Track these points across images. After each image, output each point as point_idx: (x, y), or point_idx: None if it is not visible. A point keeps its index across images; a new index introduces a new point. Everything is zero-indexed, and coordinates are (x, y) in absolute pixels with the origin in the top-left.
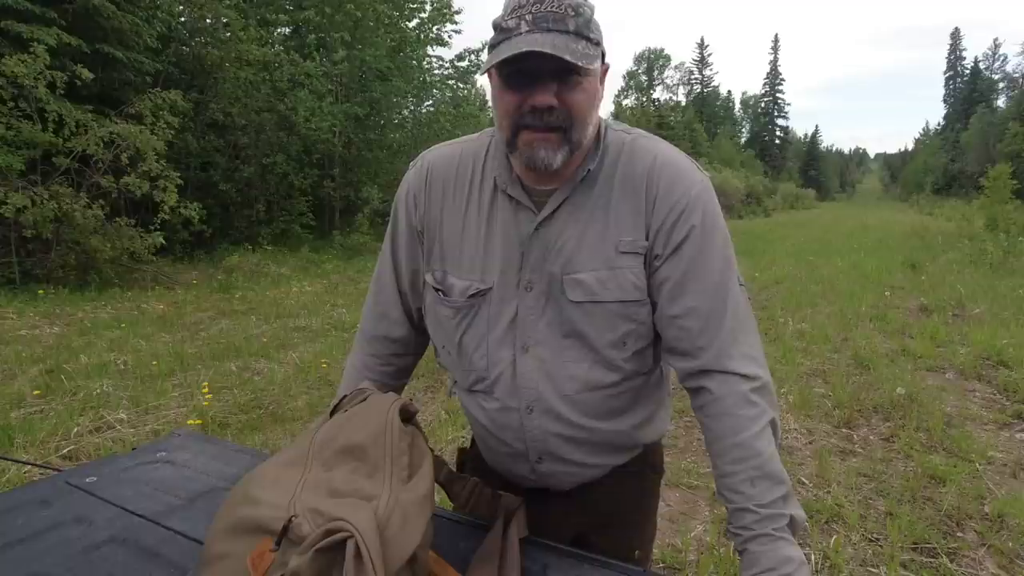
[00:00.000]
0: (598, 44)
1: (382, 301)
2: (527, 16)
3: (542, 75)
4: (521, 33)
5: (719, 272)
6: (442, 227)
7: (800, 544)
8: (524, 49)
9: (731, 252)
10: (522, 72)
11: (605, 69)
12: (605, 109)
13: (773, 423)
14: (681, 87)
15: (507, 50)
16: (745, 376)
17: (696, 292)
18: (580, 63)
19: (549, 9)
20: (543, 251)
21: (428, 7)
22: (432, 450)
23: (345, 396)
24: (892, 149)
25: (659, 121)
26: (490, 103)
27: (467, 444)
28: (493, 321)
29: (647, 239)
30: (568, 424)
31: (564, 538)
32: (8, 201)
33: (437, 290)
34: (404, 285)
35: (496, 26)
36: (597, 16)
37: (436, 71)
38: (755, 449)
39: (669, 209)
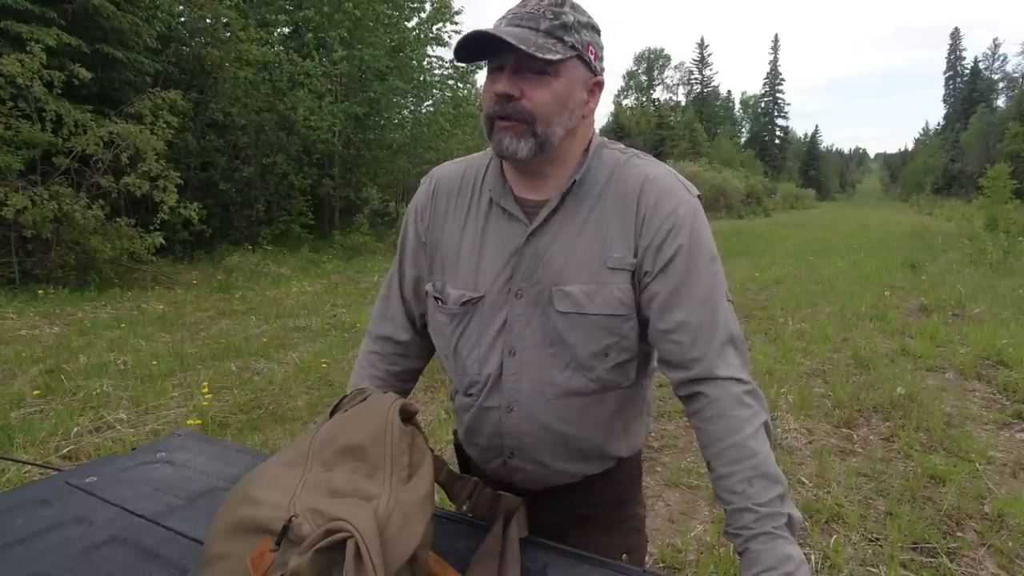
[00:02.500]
0: (573, 48)
1: (389, 305)
2: (508, 16)
3: (507, 67)
4: (495, 27)
5: (708, 288)
6: (443, 239)
7: (800, 543)
8: (474, 31)
9: (719, 270)
10: (499, 68)
11: (595, 82)
12: (604, 110)
13: (766, 425)
14: (681, 87)
15: (468, 34)
16: (738, 380)
17: (686, 307)
18: (523, 47)
19: (527, 10)
20: (534, 261)
21: (428, 7)
22: (432, 450)
23: (345, 396)
24: (892, 149)
25: (659, 121)
26: None
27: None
28: (485, 327)
29: (635, 256)
30: (542, 426)
31: (549, 535)
32: (8, 201)
33: (436, 299)
34: (408, 292)
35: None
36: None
37: (436, 71)
38: (751, 449)
39: (657, 228)
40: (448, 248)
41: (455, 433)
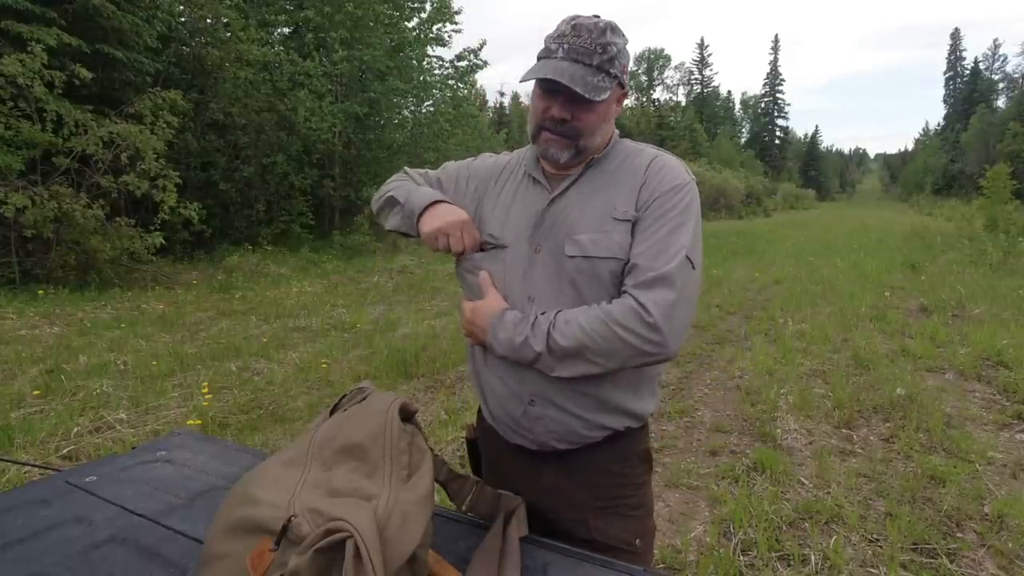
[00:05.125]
0: (615, 77)
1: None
2: (565, 45)
3: (562, 95)
4: (556, 58)
5: (669, 237)
6: (485, 204)
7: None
8: (548, 75)
9: (698, 243)
10: (551, 90)
11: (623, 94)
12: None
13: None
14: (681, 87)
15: (539, 70)
16: (639, 304)
17: (647, 241)
18: (587, 95)
19: (583, 44)
20: (553, 220)
21: (428, 7)
22: (432, 449)
23: (344, 395)
24: (892, 149)
25: (659, 121)
26: (491, 104)
27: (473, 422)
28: (509, 276)
29: (636, 210)
30: None
31: (564, 518)
32: (8, 201)
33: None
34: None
35: (545, 42)
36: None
37: (436, 71)
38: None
39: (655, 188)
40: (487, 210)
41: (469, 427)
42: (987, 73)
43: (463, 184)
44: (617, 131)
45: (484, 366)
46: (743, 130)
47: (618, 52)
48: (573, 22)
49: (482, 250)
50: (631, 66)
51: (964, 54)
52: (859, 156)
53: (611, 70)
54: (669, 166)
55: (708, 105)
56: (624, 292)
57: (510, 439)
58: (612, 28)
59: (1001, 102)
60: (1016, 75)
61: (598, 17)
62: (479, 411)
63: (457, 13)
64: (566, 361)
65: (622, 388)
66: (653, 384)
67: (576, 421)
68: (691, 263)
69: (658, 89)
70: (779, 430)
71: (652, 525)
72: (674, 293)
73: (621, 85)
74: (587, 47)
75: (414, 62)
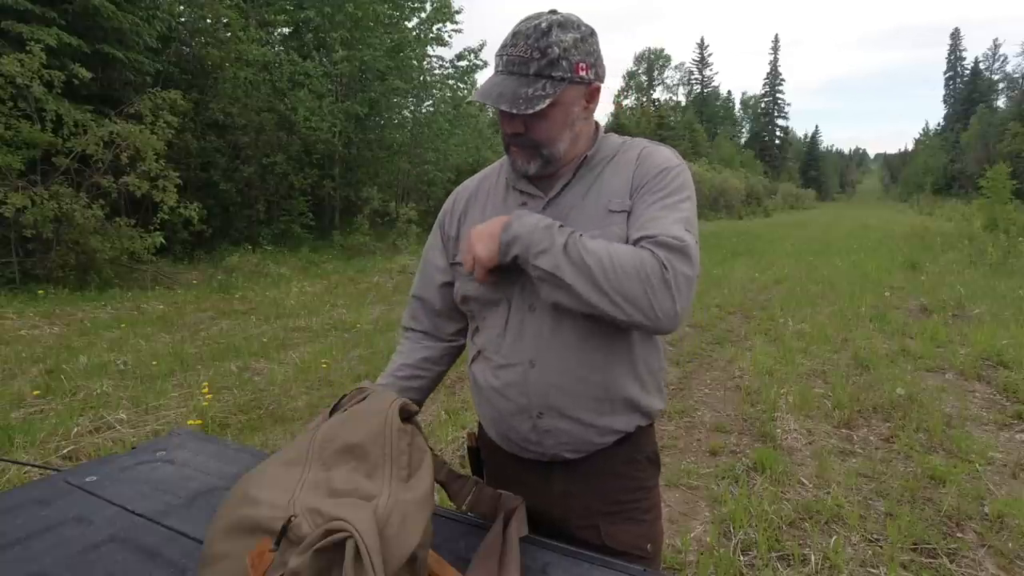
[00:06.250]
0: (562, 79)
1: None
2: (504, 57)
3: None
4: (496, 72)
5: (680, 215)
6: (465, 226)
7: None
8: (478, 99)
9: (689, 206)
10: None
11: (593, 89)
12: (604, 110)
13: (653, 268)
14: (681, 87)
15: (477, 91)
16: (664, 267)
17: (650, 208)
18: (515, 111)
19: (519, 54)
20: None
21: (428, 7)
22: (432, 449)
23: (344, 395)
24: (892, 149)
25: (659, 121)
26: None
27: (475, 430)
28: (505, 287)
29: (631, 198)
30: (565, 374)
31: (575, 525)
32: (8, 201)
33: (456, 264)
34: (438, 283)
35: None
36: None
37: (436, 71)
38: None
39: (647, 171)
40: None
41: (471, 435)
42: (987, 73)
43: (446, 226)
44: (602, 127)
45: (486, 383)
46: (743, 130)
47: (565, 50)
48: (515, 28)
49: None
50: (630, 66)
51: (964, 54)
52: (859, 156)
53: (554, 73)
54: (658, 151)
55: (708, 105)
56: (639, 246)
57: (518, 454)
58: (559, 24)
59: (1001, 102)
60: (1016, 75)
61: (553, 13)
62: (480, 423)
63: (457, 13)
64: (576, 270)
65: (630, 380)
66: (658, 380)
67: (588, 430)
68: (694, 236)
69: (658, 89)
70: (779, 430)
71: (661, 529)
72: (691, 270)
73: (580, 82)
74: (522, 55)
75: (414, 62)
